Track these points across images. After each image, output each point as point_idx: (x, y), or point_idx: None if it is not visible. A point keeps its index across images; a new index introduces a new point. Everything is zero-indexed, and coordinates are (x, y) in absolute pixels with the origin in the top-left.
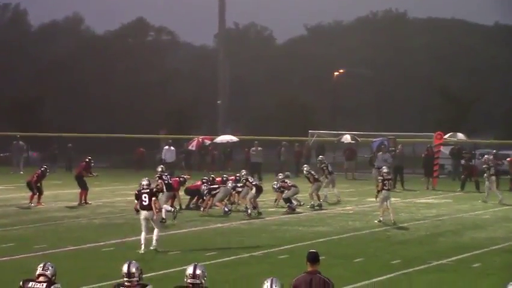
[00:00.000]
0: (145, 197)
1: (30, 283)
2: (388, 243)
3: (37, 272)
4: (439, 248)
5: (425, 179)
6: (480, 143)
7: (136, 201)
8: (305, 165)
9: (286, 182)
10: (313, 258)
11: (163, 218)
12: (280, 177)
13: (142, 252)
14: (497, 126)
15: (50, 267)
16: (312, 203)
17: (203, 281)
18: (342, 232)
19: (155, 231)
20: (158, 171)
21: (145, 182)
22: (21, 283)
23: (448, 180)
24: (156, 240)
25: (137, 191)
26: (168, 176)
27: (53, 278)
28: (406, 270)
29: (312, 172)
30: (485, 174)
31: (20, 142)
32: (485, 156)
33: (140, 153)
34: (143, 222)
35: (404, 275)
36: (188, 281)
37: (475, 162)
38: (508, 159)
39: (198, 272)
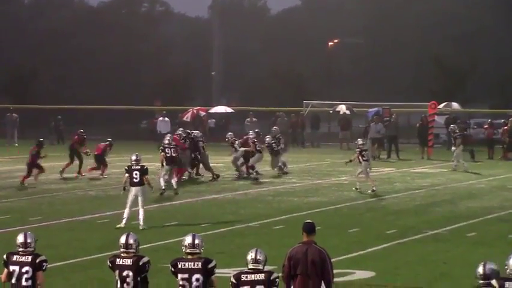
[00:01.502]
0: (135, 174)
1: (15, 256)
2: (383, 213)
3: (18, 242)
4: (434, 218)
5: (420, 149)
6: (475, 113)
7: (126, 175)
8: (267, 136)
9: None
10: (310, 229)
11: (162, 189)
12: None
13: (122, 226)
14: (493, 95)
15: (31, 237)
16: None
17: (201, 251)
18: (337, 202)
19: (141, 211)
20: (165, 143)
21: (134, 157)
22: (5, 256)
23: (442, 149)
24: (143, 219)
25: (128, 166)
26: (172, 149)
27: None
28: (401, 240)
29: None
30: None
31: (14, 114)
32: (451, 125)
33: (153, 123)
34: (130, 198)
35: (399, 245)
36: (187, 250)
37: (469, 131)
38: (502, 128)
39: (197, 241)
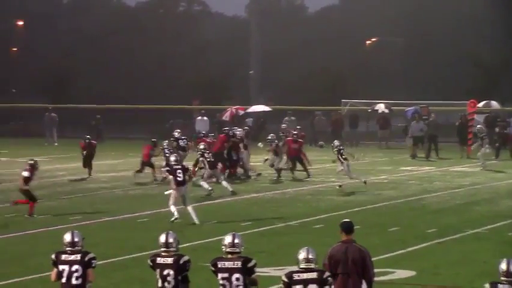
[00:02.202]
0: (179, 173)
1: (64, 256)
2: (423, 212)
3: (66, 242)
4: (474, 217)
5: (459, 148)
6: None
7: (170, 176)
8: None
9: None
10: (348, 228)
11: (210, 190)
12: None
13: (176, 218)
14: None
15: (78, 236)
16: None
17: (241, 250)
18: (377, 201)
19: (191, 207)
20: (200, 149)
21: (173, 158)
22: (53, 256)
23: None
24: (196, 216)
25: (170, 167)
26: (210, 154)
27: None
28: (441, 239)
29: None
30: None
31: (53, 114)
32: (478, 126)
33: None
34: (176, 196)
35: (439, 244)
36: (227, 250)
37: (509, 130)
38: None
39: (237, 241)
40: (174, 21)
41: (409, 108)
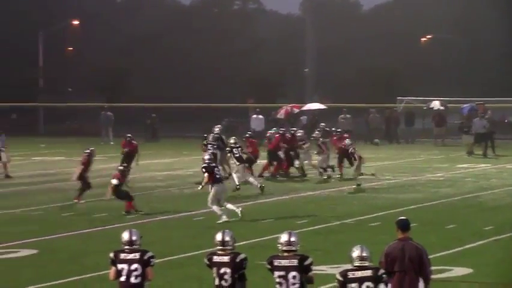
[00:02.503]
0: (217, 170)
1: (122, 254)
2: (480, 210)
3: (124, 241)
4: None
5: None
6: None
7: (206, 174)
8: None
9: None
10: (404, 225)
11: (237, 185)
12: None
13: (226, 220)
14: None
15: (136, 235)
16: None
17: (297, 248)
18: (433, 199)
19: (229, 204)
20: (231, 143)
21: (207, 157)
22: (112, 255)
23: None
24: (241, 210)
25: (207, 165)
26: (239, 149)
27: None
28: (498, 236)
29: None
30: None
31: (108, 112)
32: None
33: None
34: (215, 198)
35: (496, 242)
36: (284, 248)
37: None
38: None
39: (293, 239)
40: (229, 20)
41: (465, 105)
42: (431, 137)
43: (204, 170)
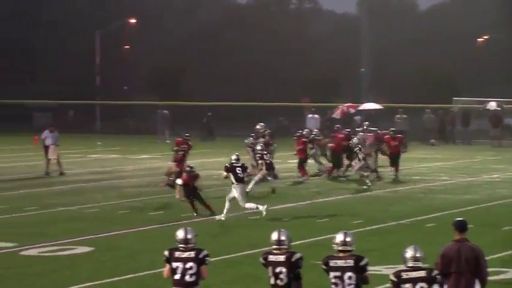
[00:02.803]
0: (239, 170)
1: (177, 253)
2: None
3: (179, 239)
4: None
5: None
6: None
7: (225, 173)
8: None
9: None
10: (462, 226)
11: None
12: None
13: (223, 218)
14: None
15: (191, 233)
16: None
17: (353, 249)
18: (490, 200)
19: (228, 204)
20: (258, 150)
21: (234, 157)
22: (166, 253)
23: None
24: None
25: (229, 165)
26: (269, 155)
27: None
28: None
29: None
30: None
31: (164, 111)
32: None
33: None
34: (241, 192)
35: None
36: (339, 248)
37: None
38: None
39: (349, 239)
40: (285, 19)
41: None
42: (487, 138)
43: (225, 169)
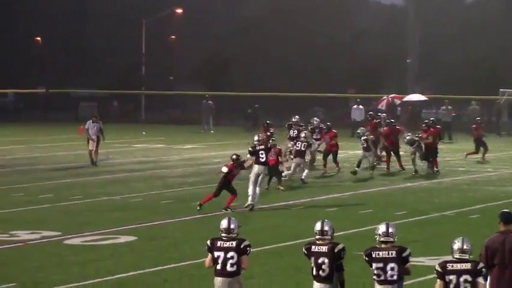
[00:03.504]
0: (261, 153)
1: (219, 242)
2: None
3: (222, 228)
4: None
5: None
6: None
7: (248, 156)
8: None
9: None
10: (507, 218)
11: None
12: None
13: (249, 203)
14: None
15: (234, 223)
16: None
17: (395, 240)
18: None
19: (258, 189)
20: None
21: (256, 138)
22: (209, 242)
23: None
24: (257, 198)
25: (252, 148)
26: (303, 144)
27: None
28: None
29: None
30: None
31: (209, 102)
32: None
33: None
34: (253, 177)
35: None
36: (381, 239)
37: None
38: None
39: (391, 230)
40: (332, 10)
41: None
42: None
43: (249, 153)
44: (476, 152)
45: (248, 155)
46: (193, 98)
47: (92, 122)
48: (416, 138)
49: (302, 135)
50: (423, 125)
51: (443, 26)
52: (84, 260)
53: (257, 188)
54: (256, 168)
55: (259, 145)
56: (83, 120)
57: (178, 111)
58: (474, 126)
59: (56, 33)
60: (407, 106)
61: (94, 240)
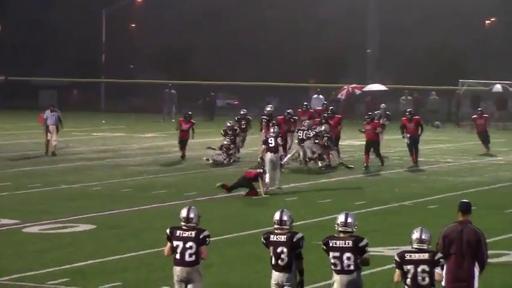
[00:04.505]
0: (271, 140)
1: (178, 232)
2: None
3: (181, 217)
4: None
5: None
6: None
7: (263, 146)
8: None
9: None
10: (466, 208)
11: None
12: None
13: (267, 190)
14: None
15: (194, 212)
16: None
17: (354, 230)
18: (493, 182)
19: (278, 172)
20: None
21: (269, 108)
22: (168, 231)
23: None
24: (279, 180)
25: (265, 138)
26: (304, 132)
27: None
28: None
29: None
30: None
31: (172, 91)
32: None
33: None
34: (268, 165)
35: None
36: (340, 229)
37: None
38: None
39: (350, 220)
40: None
41: None
42: (492, 120)
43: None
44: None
45: (262, 145)
46: (154, 87)
47: (51, 112)
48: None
49: (323, 128)
50: (367, 117)
51: (403, 16)
52: (43, 249)
53: (277, 170)
54: (268, 155)
55: (273, 134)
56: (43, 109)
57: (138, 100)
58: (475, 116)
59: (16, 21)
60: (366, 96)
61: (53, 229)
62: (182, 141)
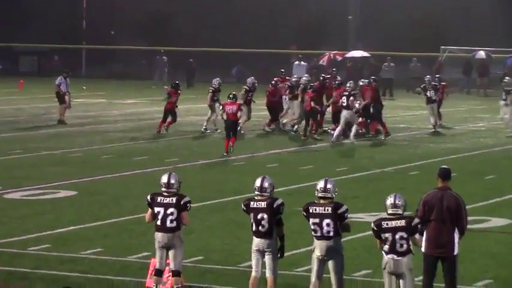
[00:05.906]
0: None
1: (159, 198)
2: None
3: (162, 183)
4: None
5: None
6: None
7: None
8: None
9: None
10: (445, 174)
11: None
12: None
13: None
14: None
15: (174, 178)
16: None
17: (334, 196)
18: (474, 149)
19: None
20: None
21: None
22: (149, 197)
23: None
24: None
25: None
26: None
27: (179, 189)
28: None
29: None
30: None
31: (163, 57)
32: (506, 78)
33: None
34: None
35: None
36: (319, 195)
37: None
38: None
39: (329, 186)
40: None
41: (510, 56)
42: (474, 87)
43: None
44: None
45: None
46: (135, 53)
47: (64, 78)
48: None
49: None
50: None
51: None
52: (24, 215)
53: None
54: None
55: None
56: (24, 75)
57: (119, 66)
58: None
59: None
60: (347, 63)
61: (34, 195)
62: (168, 113)
